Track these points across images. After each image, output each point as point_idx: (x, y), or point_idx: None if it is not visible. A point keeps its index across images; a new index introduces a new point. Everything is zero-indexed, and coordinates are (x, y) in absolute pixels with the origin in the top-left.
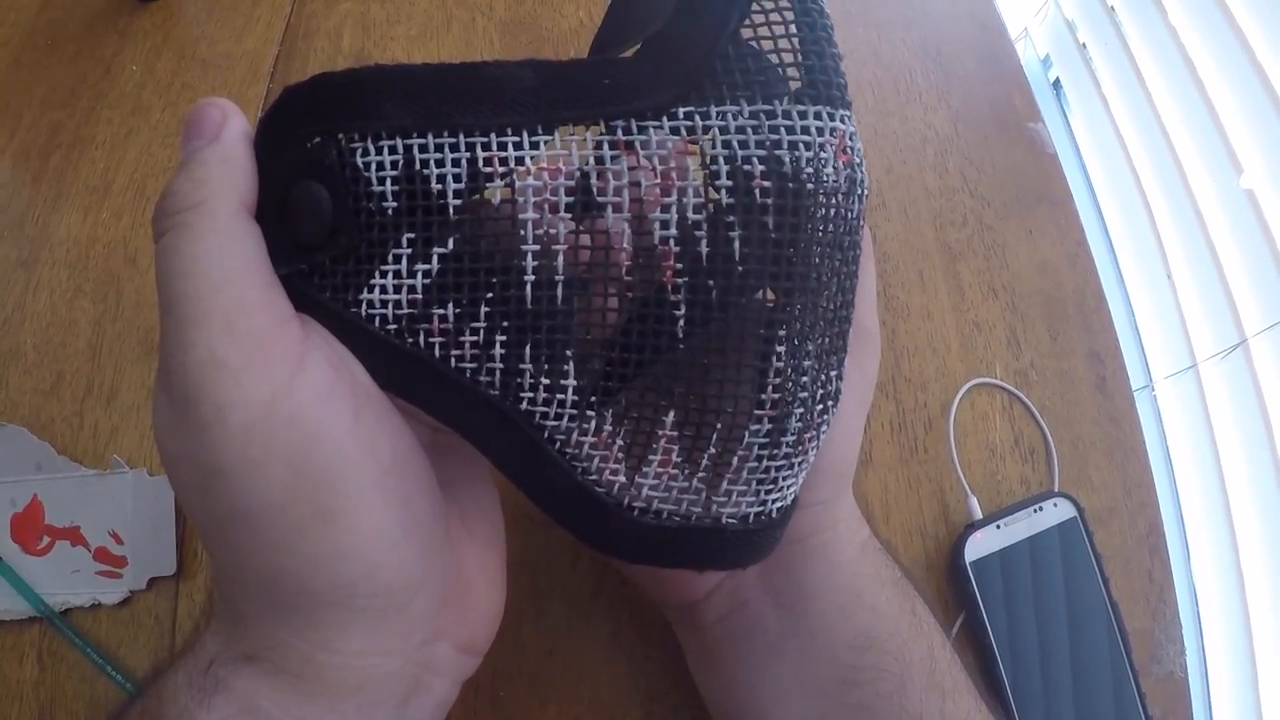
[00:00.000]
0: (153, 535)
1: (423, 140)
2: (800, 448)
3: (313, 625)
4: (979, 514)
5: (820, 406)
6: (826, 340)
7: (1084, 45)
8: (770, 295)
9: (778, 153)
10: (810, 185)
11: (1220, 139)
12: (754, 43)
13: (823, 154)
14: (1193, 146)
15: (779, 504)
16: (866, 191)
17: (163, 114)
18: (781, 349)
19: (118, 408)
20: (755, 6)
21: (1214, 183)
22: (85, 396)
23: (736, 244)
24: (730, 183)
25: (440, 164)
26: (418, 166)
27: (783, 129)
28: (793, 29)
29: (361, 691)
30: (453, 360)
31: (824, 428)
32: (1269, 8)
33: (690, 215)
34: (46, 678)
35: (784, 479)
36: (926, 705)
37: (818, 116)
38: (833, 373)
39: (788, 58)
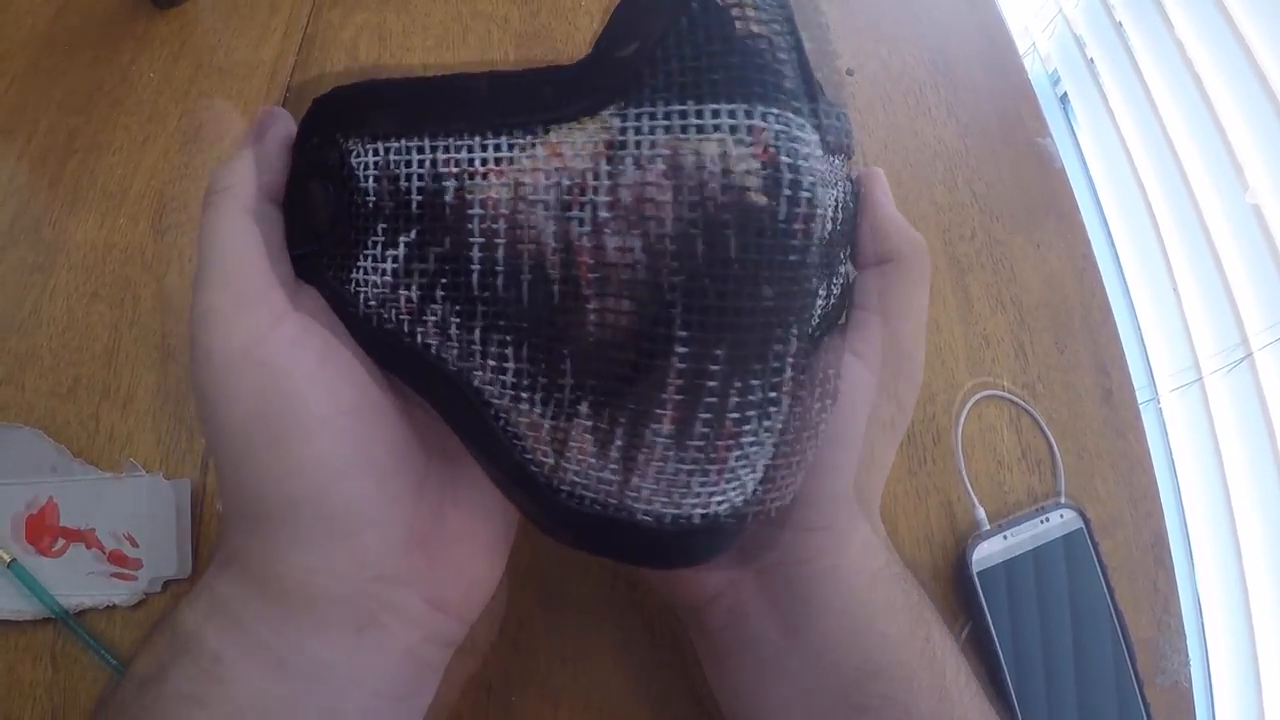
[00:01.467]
0: (166, 538)
1: (397, 144)
2: (715, 456)
3: (269, 537)
4: (986, 524)
5: (736, 416)
6: (742, 350)
7: (1091, 60)
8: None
9: (680, 152)
10: (712, 184)
11: (1226, 154)
12: (691, 46)
13: (734, 152)
14: (1199, 161)
15: (699, 510)
16: (807, 194)
17: (179, 121)
18: (684, 350)
19: (133, 412)
20: (695, 7)
21: (1220, 197)
22: (101, 400)
23: (637, 243)
24: (628, 179)
25: (408, 164)
26: (392, 166)
27: (692, 128)
28: (729, 29)
29: (313, 607)
30: (419, 337)
31: (748, 440)
32: (1276, 24)
33: (601, 214)
34: (60, 679)
35: (697, 484)
36: None
37: (732, 115)
38: (754, 382)
39: (716, 59)
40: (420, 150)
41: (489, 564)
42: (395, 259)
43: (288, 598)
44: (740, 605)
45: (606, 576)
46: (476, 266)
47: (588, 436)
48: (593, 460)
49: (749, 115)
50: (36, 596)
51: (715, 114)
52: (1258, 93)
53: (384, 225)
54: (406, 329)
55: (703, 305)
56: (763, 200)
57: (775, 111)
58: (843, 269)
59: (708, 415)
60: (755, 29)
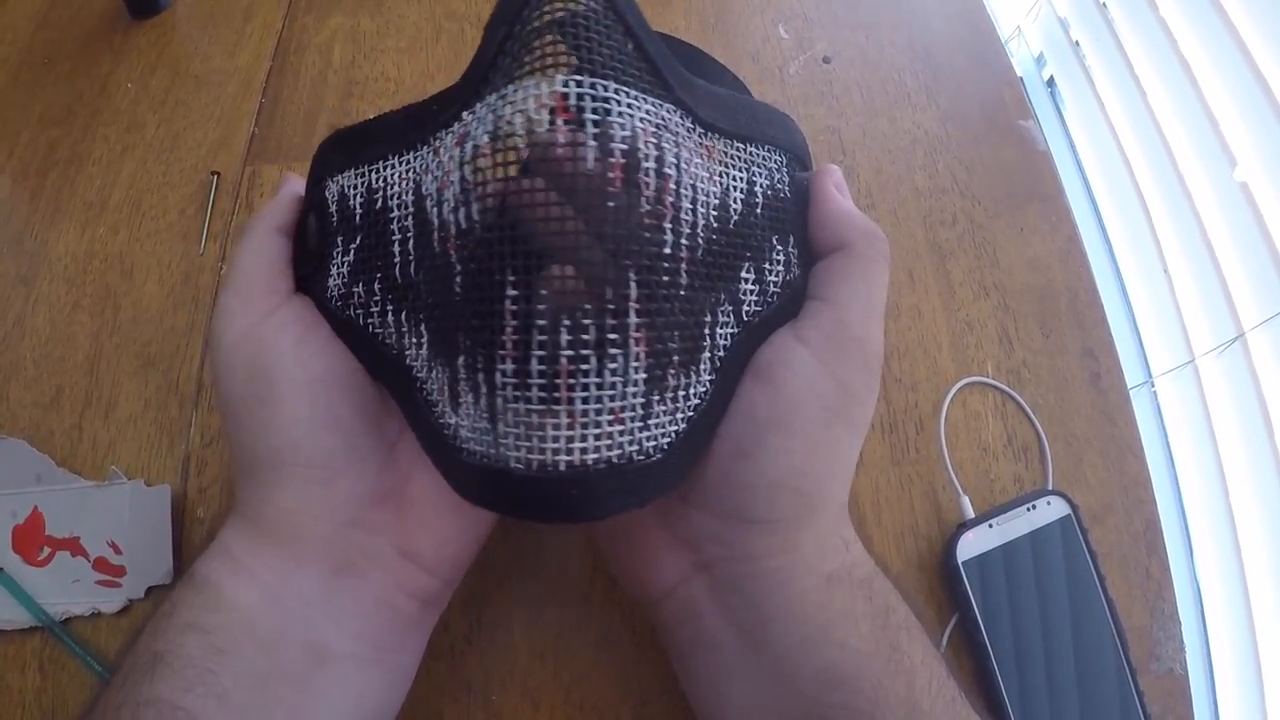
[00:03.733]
0: (150, 545)
1: (347, 173)
2: (558, 396)
3: (260, 484)
4: (971, 513)
5: (570, 354)
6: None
7: (1077, 43)
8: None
9: (499, 124)
10: (521, 145)
11: (1214, 133)
12: (517, 41)
13: (535, 116)
14: (1187, 141)
15: (564, 458)
16: (622, 146)
17: (157, 130)
18: (514, 293)
19: (116, 420)
20: (524, 11)
21: (1209, 177)
22: (84, 409)
23: (475, 208)
24: (468, 157)
25: (354, 187)
26: (345, 191)
27: (506, 104)
28: (533, 24)
29: (295, 543)
30: (369, 327)
31: (592, 381)
32: (1261, 1)
33: (455, 192)
34: (48, 686)
35: (551, 428)
36: None
37: (537, 86)
38: (585, 321)
39: (532, 47)
40: (362, 176)
41: (457, 523)
42: (349, 263)
43: (275, 534)
44: (693, 604)
45: (586, 573)
46: (397, 259)
47: (466, 389)
48: (472, 411)
49: (550, 83)
50: (24, 606)
51: (525, 89)
52: (1244, 71)
53: (342, 238)
54: (361, 321)
55: (525, 250)
56: (569, 152)
57: (578, 78)
58: (779, 256)
59: (541, 353)
60: (573, 23)
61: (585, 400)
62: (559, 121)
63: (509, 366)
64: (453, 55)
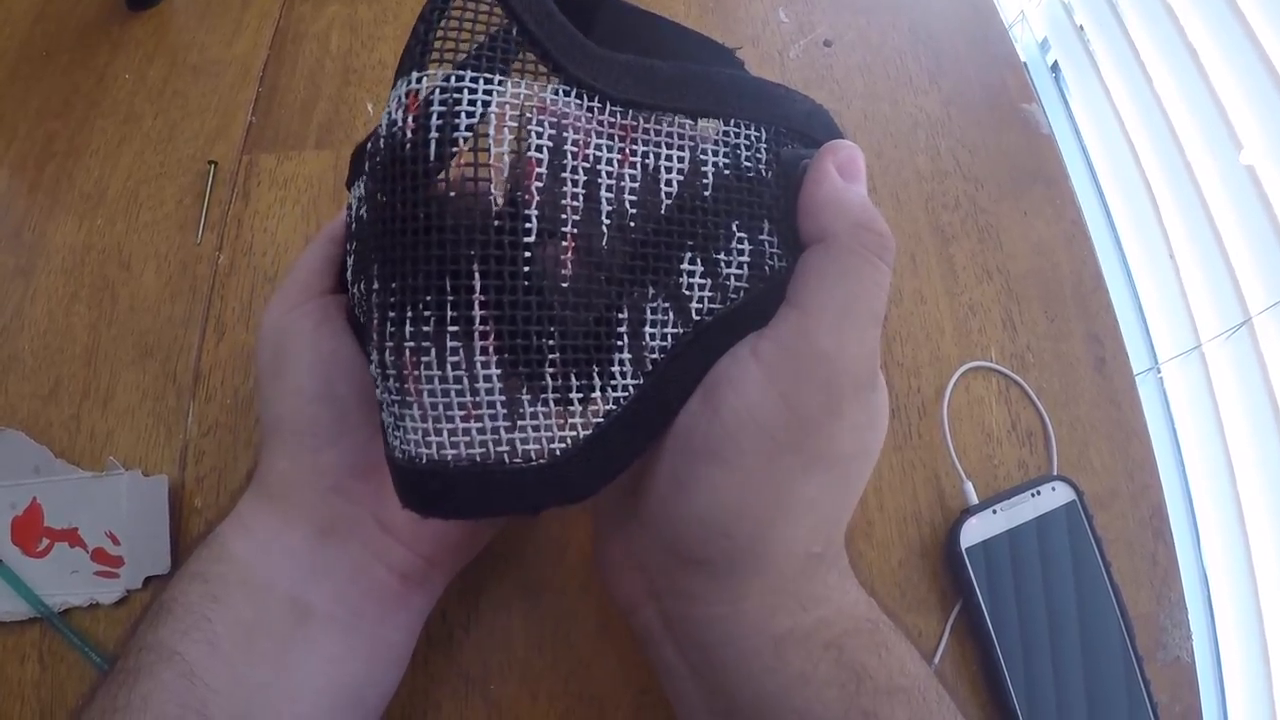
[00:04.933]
0: (148, 535)
1: (355, 183)
2: (407, 388)
3: (268, 450)
4: (974, 499)
5: (413, 345)
6: (413, 281)
7: (1081, 27)
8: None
9: (379, 126)
10: (384, 143)
11: (1219, 116)
12: (408, 48)
13: (394, 115)
14: (1192, 124)
15: (425, 451)
16: (466, 135)
17: (154, 121)
18: (377, 286)
19: (113, 411)
20: (415, 33)
21: (1214, 160)
22: (82, 401)
23: (367, 206)
24: (369, 161)
25: (356, 196)
26: (351, 201)
27: (386, 105)
28: (429, 29)
29: (285, 502)
30: (364, 320)
31: (436, 374)
32: None
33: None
34: (47, 677)
35: (410, 421)
36: None
37: (404, 85)
38: (426, 313)
39: (412, 51)
40: (357, 187)
41: None
42: (350, 266)
43: (271, 494)
44: (651, 629)
45: (584, 562)
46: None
47: (377, 385)
48: (384, 405)
49: (408, 82)
50: (23, 597)
51: (395, 89)
52: (1249, 54)
53: (348, 245)
54: (361, 317)
55: (383, 245)
56: (411, 149)
57: (430, 73)
58: (741, 245)
59: (391, 344)
60: (451, 18)
61: (432, 394)
62: (409, 118)
63: (375, 357)
64: None
